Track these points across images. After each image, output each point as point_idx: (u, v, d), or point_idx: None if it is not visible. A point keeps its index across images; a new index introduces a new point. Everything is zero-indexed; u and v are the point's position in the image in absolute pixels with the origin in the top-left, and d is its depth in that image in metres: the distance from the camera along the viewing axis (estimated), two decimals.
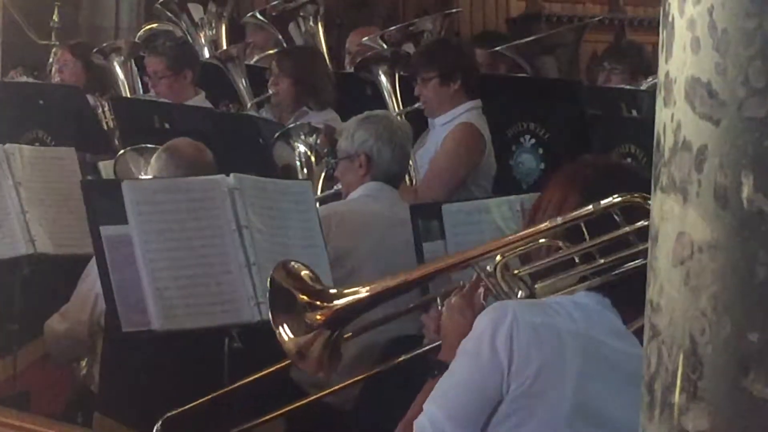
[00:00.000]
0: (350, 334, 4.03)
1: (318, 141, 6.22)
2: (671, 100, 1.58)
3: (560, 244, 3.48)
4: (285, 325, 3.73)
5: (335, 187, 5.79)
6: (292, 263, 3.83)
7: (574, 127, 6.91)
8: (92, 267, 4.95)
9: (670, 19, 1.58)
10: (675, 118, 1.57)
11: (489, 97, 7.02)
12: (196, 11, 9.73)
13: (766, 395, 1.47)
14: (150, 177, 5.16)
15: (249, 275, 4.42)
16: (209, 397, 4.27)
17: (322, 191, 6.09)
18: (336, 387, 4.24)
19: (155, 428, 4.26)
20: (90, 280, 4.98)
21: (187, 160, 5.05)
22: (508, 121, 7.03)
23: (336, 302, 3.76)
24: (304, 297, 3.75)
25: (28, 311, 5.24)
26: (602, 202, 3.33)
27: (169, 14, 9.92)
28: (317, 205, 5.63)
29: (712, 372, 1.52)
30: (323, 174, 6.08)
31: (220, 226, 4.51)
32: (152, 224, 4.45)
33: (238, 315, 4.29)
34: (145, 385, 4.42)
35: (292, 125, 6.71)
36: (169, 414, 4.28)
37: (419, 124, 7.04)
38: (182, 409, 4.29)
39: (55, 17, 11.08)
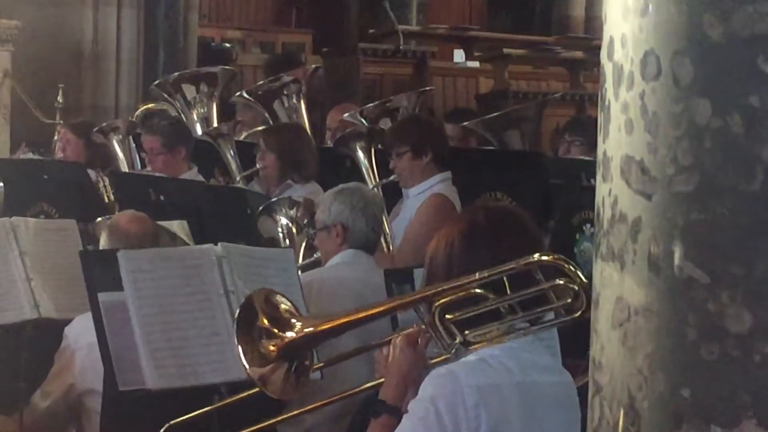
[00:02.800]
0: (321, 363, 4.06)
1: (298, 213, 6.23)
2: (609, 176, 1.60)
3: (487, 294, 3.50)
4: (244, 349, 3.72)
5: (315, 255, 5.80)
6: (277, 294, 3.84)
7: (538, 195, 6.94)
8: (67, 343, 4.98)
9: (606, 102, 1.61)
10: (612, 193, 1.59)
11: (459, 168, 7.05)
12: (189, 91, 9.75)
13: None
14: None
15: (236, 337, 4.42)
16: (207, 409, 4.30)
17: (303, 259, 6.10)
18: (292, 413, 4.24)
19: None
20: (60, 356, 5.00)
21: (123, 234, 5.08)
22: (477, 191, 7.05)
23: (288, 333, 3.75)
24: (265, 322, 3.74)
25: (33, 371, 5.22)
26: (522, 260, 3.37)
27: (164, 95, 9.95)
28: (299, 272, 5.67)
29: (649, 425, 1.53)
30: (304, 243, 6.09)
31: (208, 291, 4.52)
32: (146, 290, 4.46)
33: (226, 374, 4.28)
34: None
35: (274, 200, 6.72)
36: (171, 422, 4.27)
37: (394, 194, 7.07)
38: (183, 418, 4.30)
39: (60, 98, 11.11)
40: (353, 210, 5.39)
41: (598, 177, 1.63)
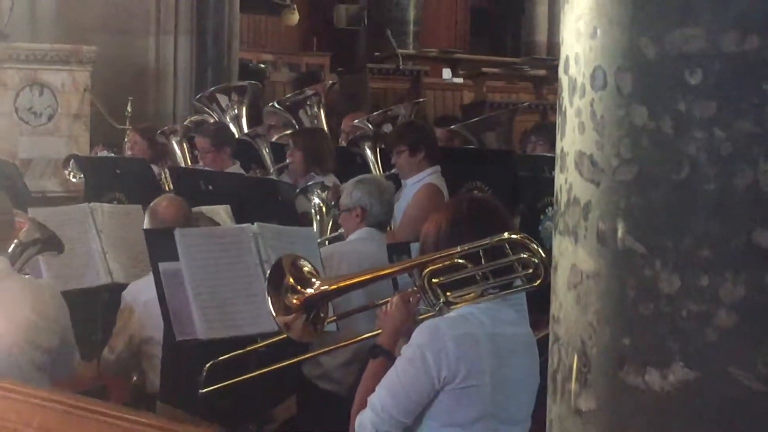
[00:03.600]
0: (335, 317, 4.08)
1: (328, 196, 6.24)
2: (565, 168, 1.59)
3: (467, 264, 3.52)
4: (274, 301, 3.74)
5: (339, 231, 5.80)
6: (301, 258, 3.85)
7: (509, 184, 6.94)
8: (125, 304, 5.01)
9: (563, 109, 1.60)
10: (568, 181, 1.58)
11: (446, 163, 7.05)
12: (222, 101, 9.77)
13: (637, 383, 1.47)
14: None
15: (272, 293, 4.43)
16: (245, 350, 4.29)
17: (330, 233, 6.13)
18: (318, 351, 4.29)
19: (202, 373, 4.26)
20: (122, 314, 5.00)
21: (159, 217, 5.08)
22: (461, 181, 7.04)
23: (308, 290, 3.77)
24: (291, 280, 3.76)
25: (107, 325, 5.23)
26: (495, 237, 3.41)
27: (204, 106, 9.96)
28: (326, 243, 5.70)
29: (597, 367, 1.52)
30: (331, 221, 6.12)
31: (246, 261, 4.52)
32: (196, 260, 4.46)
33: (261, 326, 4.27)
34: (194, 379, 4.39)
35: (310, 183, 6.73)
36: (212, 362, 4.27)
37: (395, 184, 7.08)
38: (222, 358, 4.31)
39: (129, 108, 11.10)
40: (371, 196, 5.39)
41: (557, 169, 1.62)
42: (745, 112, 1.38)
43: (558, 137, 1.60)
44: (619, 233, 1.48)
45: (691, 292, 1.42)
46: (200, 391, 4.31)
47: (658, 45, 1.43)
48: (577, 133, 1.54)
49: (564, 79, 1.58)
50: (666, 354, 1.45)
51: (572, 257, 1.56)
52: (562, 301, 1.59)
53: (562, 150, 1.58)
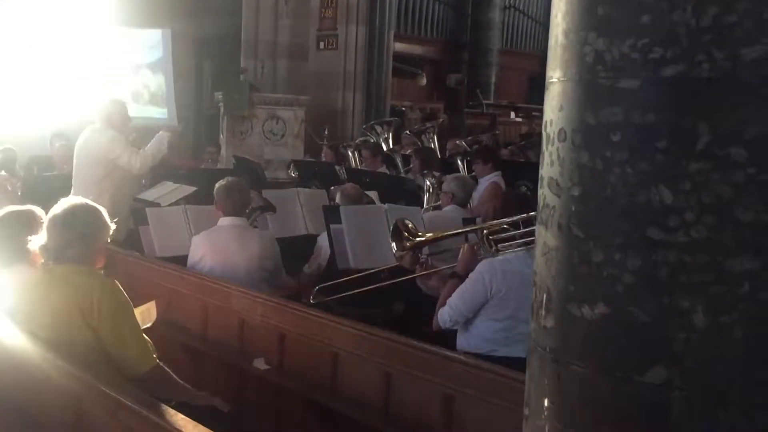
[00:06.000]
0: (427, 254, 4.11)
1: (435, 183, 6.25)
2: (543, 186, 1.55)
3: (509, 228, 3.54)
4: (395, 244, 3.82)
5: (438, 203, 5.82)
6: (406, 220, 3.93)
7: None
8: (318, 245, 5.08)
9: (543, 151, 1.57)
10: (543, 194, 1.55)
11: (507, 169, 7.04)
12: (378, 129, 9.82)
13: (576, 313, 1.46)
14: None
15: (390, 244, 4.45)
16: (355, 276, 4.29)
17: (434, 204, 6.15)
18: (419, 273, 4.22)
19: (312, 293, 4.27)
20: (317, 250, 5.07)
21: (349, 197, 5.13)
22: (513, 181, 6.96)
23: (416, 239, 3.84)
24: (405, 233, 3.83)
25: (306, 257, 5.21)
26: (526, 214, 3.43)
27: (367, 131, 10.04)
28: (430, 210, 5.71)
29: (555, 302, 1.51)
30: (434, 197, 6.12)
31: (379, 225, 4.57)
32: (351, 224, 4.52)
33: (389, 261, 4.32)
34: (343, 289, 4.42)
35: (425, 172, 6.74)
36: (322, 285, 4.30)
37: (475, 181, 7.06)
38: (329, 283, 4.32)
39: (326, 132, 11.23)
40: (458, 187, 5.40)
41: (539, 186, 1.60)
42: (644, 158, 1.36)
43: (540, 167, 1.59)
44: (569, 225, 1.47)
45: (609, 261, 1.41)
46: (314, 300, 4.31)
47: (596, 117, 1.41)
48: (549, 166, 1.53)
49: (544, 134, 1.57)
50: (594, 296, 1.43)
51: (544, 237, 1.55)
52: (538, 262, 1.58)
53: (541, 175, 1.56)
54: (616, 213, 1.39)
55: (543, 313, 1.56)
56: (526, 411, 1.65)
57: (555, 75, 1.52)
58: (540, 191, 1.60)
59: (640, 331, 1.38)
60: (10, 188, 6.91)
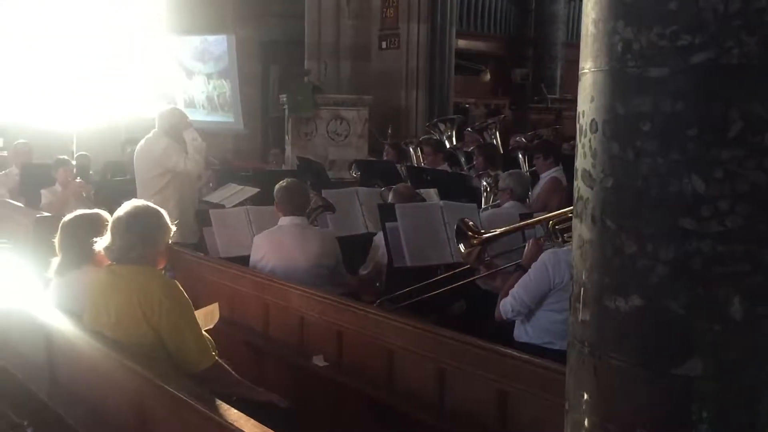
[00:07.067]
0: (494, 254, 4.11)
1: (492, 181, 6.20)
2: (577, 177, 1.54)
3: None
4: (460, 244, 3.81)
5: (497, 201, 5.77)
6: (470, 220, 3.93)
7: None
8: (375, 243, 5.06)
9: (577, 143, 1.56)
10: (577, 186, 1.54)
11: (566, 165, 6.91)
12: (441, 126, 9.77)
13: (611, 306, 1.45)
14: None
15: (448, 242, 4.43)
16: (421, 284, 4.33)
17: (492, 202, 6.11)
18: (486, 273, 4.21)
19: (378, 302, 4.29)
20: (373, 250, 5.07)
21: (401, 195, 5.12)
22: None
23: (481, 236, 3.83)
24: (469, 232, 3.82)
25: (362, 256, 5.26)
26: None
27: (430, 129, 10.02)
28: (488, 209, 5.68)
29: (591, 294, 1.50)
30: (492, 196, 6.07)
31: (435, 222, 4.55)
32: (406, 221, 4.52)
33: (442, 259, 4.31)
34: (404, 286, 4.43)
35: (480, 172, 6.70)
36: (384, 298, 4.31)
37: (534, 177, 6.97)
38: (397, 293, 4.34)
39: (389, 131, 11.25)
40: (515, 182, 5.33)
41: (574, 178, 1.58)
42: (674, 147, 1.34)
43: (576, 159, 1.58)
44: (602, 217, 1.46)
45: (642, 253, 1.39)
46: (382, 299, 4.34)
47: (626, 107, 1.40)
48: (582, 158, 1.52)
49: (578, 126, 1.56)
50: (627, 289, 1.42)
51: (579, 230, 1.54)
52: (575, 255, 1.57)
53: (576, 168, 1.55)
54: (649, 203, 1.38)
55: (579, 306, 1.55)
56: (566, 405, 1.64)
57: (586, 65, 1.51)
58: (575, 183, 1.59)
59: (674, 323, 1.36)
60: (84, 194, 7.20)
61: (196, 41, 13.32)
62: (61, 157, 7.60)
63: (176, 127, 5.99)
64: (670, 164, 1.34)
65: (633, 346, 1.42)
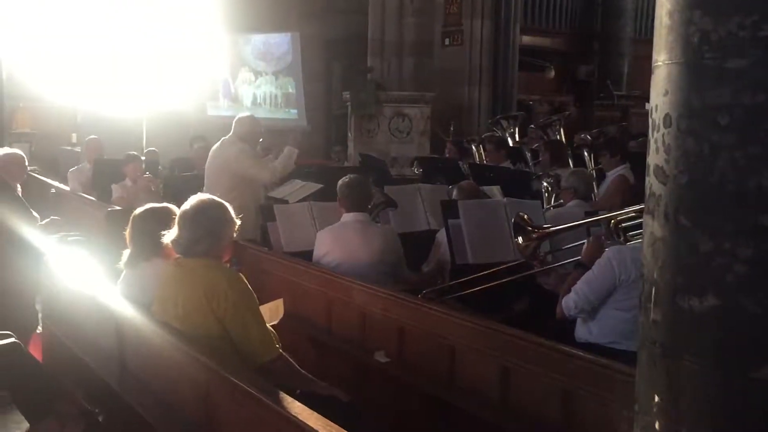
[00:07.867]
0: (548, 250, 4.06)
1: (553, 182, 6.12)
2: (649, 174, 1.51)
3: (637, 216, 3.47)
4: (519, 237, 3.79)
5: (560, 201, 5.69)
6: (525, 215, 3.89)
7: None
8: (437, 240, 5.01)
9: (649, 138, 1.52)
10: (649, 182, 1.50)
11: (638, 161, 6.77)
12: (504, 123, 9.70)
13: (684, 306, 1.40)
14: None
15: (511, 239, 4.37)
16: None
17: (555, 202, 6.02)
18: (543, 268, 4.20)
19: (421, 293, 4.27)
20: (435, 246, 5.04)
21: (465, 192, 5.07)
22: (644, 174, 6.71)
23: (539, 231, 3.80)
24: (528, 226, 3.79)
25: (427, 252, 5.24)
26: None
27: (493, 126, 9.94)
28: (550, 209, 5.59)
29: (663, 293, 1.46)
30: (554, 196, 5.99)
31: (498, 219, 4.51)
32: (469, 218, 4.49)
33: (508, 255, 4.27)
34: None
35: (541, 173, 6.63)
36: (428, 289, 4.28)
37: (600, 175, 6.85)
38: (458, 294, 4.31)
39: (452, 128, 11.23)
40: (578, 181, 5.25)
41: (646, 173, 1.54)
42: (754, 142, 1.29)
43: (648, 155, 1.53)
44: (676, 214, 1.42)
45: (718, 251, 1.35)
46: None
47: (702, 100, 1.35)
48: (655, 153, 1.48)
49: (650, 121, 1.51)
50: (702, 288, 1.37)
51: (651, 227, 1.50)
52: (645, 254, 1.53)
53: (647, 163, 1.51)
54: (726, 200, 1.33)
55: (651, 306, 1.51)
56: (636, 407, 1.59)
57: (660, 58, 1.47)
58: (647, 180, 1.54)
59: (752, 324, 1.31)
60: (153, 189, 7.38)
61: (259, 40, 13.49)
62: (131, 153, 7.80)
63: (252, 134, 6.17)
64: (748, 159, 1.30)
65: (708, 347, 1.37)
